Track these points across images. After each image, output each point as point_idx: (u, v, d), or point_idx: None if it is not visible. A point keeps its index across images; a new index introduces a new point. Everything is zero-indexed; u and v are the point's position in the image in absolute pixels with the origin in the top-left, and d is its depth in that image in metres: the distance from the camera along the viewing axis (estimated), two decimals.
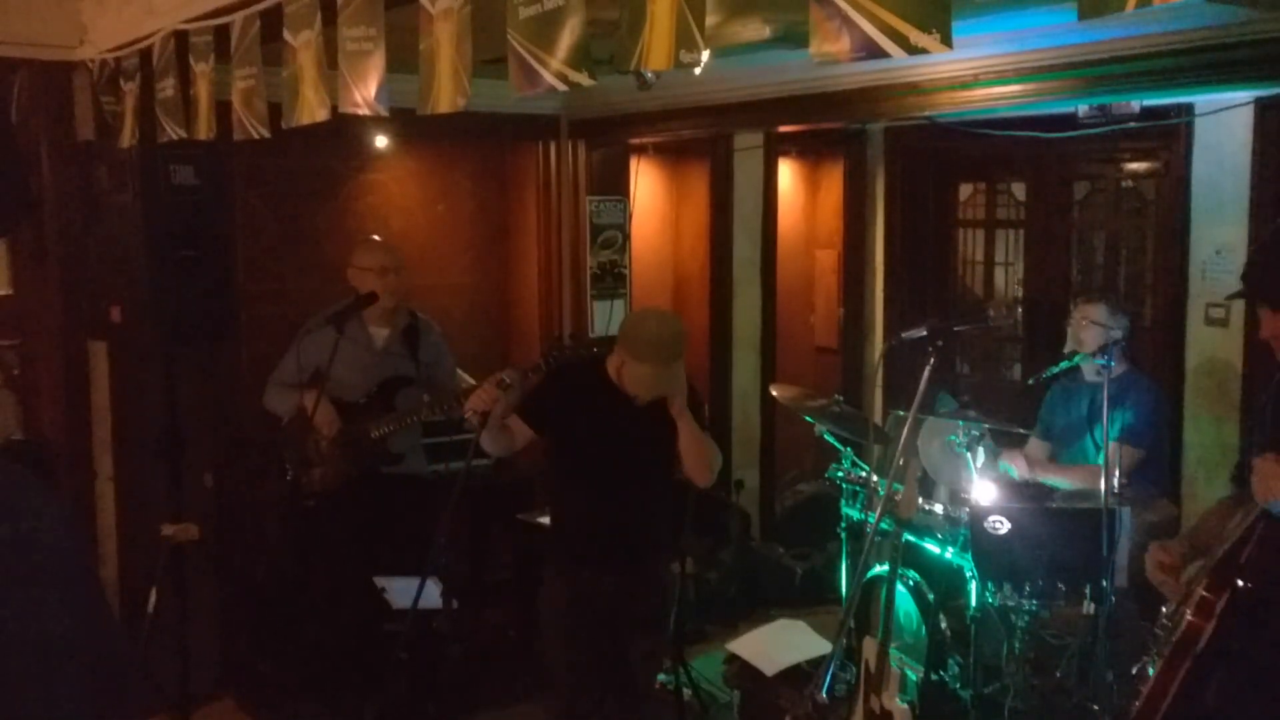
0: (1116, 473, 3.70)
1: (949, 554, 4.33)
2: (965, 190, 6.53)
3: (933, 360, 3.07)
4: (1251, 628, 2.32)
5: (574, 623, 3.66)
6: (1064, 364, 4.40)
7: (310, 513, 4.49)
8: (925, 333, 3.15)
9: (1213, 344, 4.97)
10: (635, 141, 6.15)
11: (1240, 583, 2.29)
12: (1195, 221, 5.01)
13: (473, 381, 4.61)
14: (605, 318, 5.91)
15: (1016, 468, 4.49)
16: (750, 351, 6.76)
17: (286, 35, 3.15)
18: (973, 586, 4.19)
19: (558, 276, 5.99)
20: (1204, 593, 2.34)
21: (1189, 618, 2.34)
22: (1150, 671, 2.46)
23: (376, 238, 5.19)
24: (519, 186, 6.21)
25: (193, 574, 4.81)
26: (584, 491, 3.64)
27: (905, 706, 3.84)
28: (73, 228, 4.82)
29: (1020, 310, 6.16)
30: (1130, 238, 5.71)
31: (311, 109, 3.15)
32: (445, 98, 2.63)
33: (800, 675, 4.41)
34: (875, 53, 1.80)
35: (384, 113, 2.91)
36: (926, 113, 5.00)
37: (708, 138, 6.38)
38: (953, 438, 4.40)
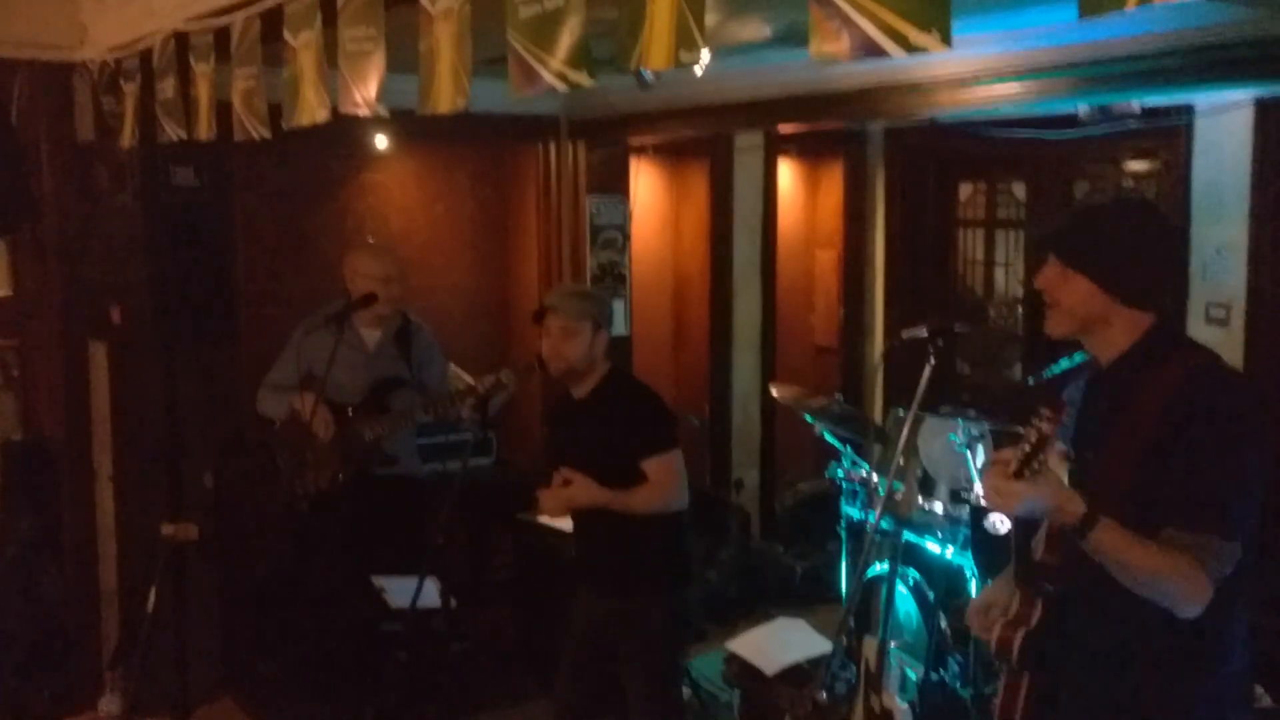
0: None
1: (949, 553, 4.33)
2: (965, 190, 6.52)
3: (933, 360, 3.07)
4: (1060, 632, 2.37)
5: (575, 642, 3.66)
6: (1064, 363, 4.39)
7: (305, 515, 4.49)
8: (925, 333, 3.14)
9: (1213, 343, 4.91)
10: (635, 141, 6.15)
11: (1049, 586, 2.34)
12: (1195, 221, 5.00)
13: (470, 380, 4.60)
14: None
15: None
16: (750, 351, 6.76)
17: (286, 35, 3.15)
18: (973, 585, 4.19)
19: (558, 276, 5.98)
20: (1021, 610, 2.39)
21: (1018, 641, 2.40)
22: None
23: (372, 240, 5.17)
24: (519, 186, 6.21)
25: (193, 574, 4.81)
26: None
27: (905, 706, 3.85)
28: (73, 228, 4.82)
29: (1020, 310, 6.15)
30: None
31: (311, 109, 3.15)
32: (445, 98, 2.63)
33: (800, 674, 4.41)
34: (875, 52, 1.80)
35: (384, 113, 2.90)
36: (926, 113, 5.01)
37: (708, 138, 6.38)
38: (953, 437, 4.40)
